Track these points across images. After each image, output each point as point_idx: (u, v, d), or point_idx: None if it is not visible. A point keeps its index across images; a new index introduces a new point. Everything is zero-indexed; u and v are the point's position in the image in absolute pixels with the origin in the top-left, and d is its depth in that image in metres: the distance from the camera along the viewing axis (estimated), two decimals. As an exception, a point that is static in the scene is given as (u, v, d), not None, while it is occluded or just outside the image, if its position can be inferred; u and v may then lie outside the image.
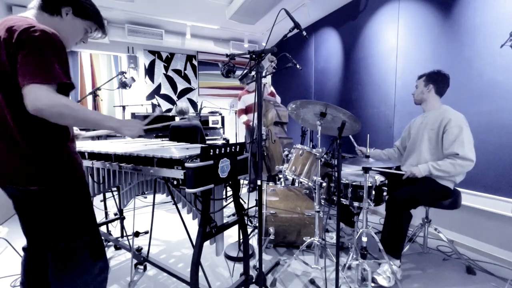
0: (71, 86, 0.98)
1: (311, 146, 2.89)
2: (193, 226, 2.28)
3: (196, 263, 1.23)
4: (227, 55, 1.66)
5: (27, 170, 0.97)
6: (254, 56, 1.40)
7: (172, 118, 4.51)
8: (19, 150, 0.96)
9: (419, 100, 2.08)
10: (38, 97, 0.85)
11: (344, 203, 1.93)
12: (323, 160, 1.91)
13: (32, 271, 1.24)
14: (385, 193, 1.88)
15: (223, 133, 4.93)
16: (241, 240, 2.04)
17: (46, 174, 0.99)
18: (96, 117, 0.99)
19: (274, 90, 3.54)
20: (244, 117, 3.48)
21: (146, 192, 2.90)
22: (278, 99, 3.46)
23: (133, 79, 3.09)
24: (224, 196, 1.63)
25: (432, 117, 1.98)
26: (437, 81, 1.98)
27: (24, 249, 1.24)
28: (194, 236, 1.36)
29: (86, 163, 1.65)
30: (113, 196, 2.47)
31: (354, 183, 1.88)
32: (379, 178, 1.92)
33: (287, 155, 2.33)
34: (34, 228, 1.21)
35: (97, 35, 1.19)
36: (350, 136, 2.17)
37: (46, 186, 1.00)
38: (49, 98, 0.86)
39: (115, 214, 2.47)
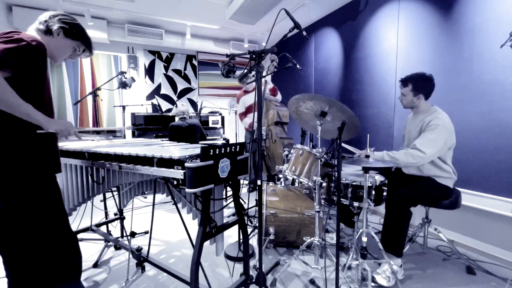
0: (28, 84, 1.07)
1: (311, 146, 2.89)
2: (193, 226, 2.28)
3: (196, 263, 1.23)
4: (227, 55, 1.66)
5: None
6: (254, 56, 1.40)
7: (172, 118, 4.52)
8: None
9: (409, 107, 2.06)
10: None
11: (344, 203, 1.93)
12: (323, 160, 1.91)
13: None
14: (385, 193, 1.88)
15: (223, 133, 4.93)
16: (241, 240, 2.04)
17: (9, 162, 1.05)
18: (22, 106, 1.02)
19: (275, 87, 3.44)
20: (247, 121, 3.39)
21: (146, 192, 2.90)
22: (279, 96, 3.39)
23: (133, 79, 3.09)
24: (224, 196, 1.63)
25: (421, 119, 1.98)
26: (425, 88, 1.96)
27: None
28: (194, 236, 1.36)
29: (86, 163, 1.65)
30: (113, 196, 2.48)
31: (354, 183, 1.88)
32: (379, 178, 1.92)
33: (287, 155, 2.33)
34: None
35: (85, 54, 1.36)
36: (346, 146, 2.14)
37: (5, 174, 1.05)
38: None
39: (115, 214, 2.47)
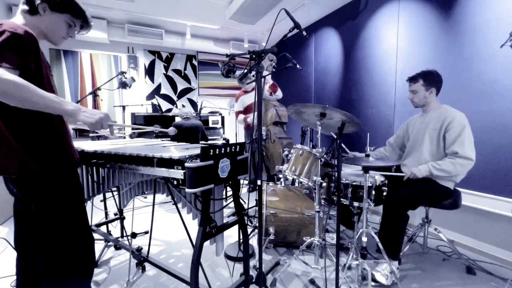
0: (28, 76, 0.98)
1: (311, 146, 2.89)
2: (193, 226, 2.28)
3: (196, 263, 1.23)
4: (227, 55, 1.66)
5: (16, 159, 1.01)
6: (254, 56, 1.40)
7: (173, 118, 4.52)
8: (6, 140, 1.00)
9: (421, 104, 2.02)
10: None
11: (344, 203, 1.93)
12: (323, 160, 1.91)
13: (26, 270, 1.25)
14: (385, 193, 1.88)
15: (223, 133, 4.93)
16: (241, 240, 2.04)
17: (33, 163, 1.02)
18: (47, 98, 0.94)
19: (275, 83, 3.40)
20: (241, 116, 3.40)
21: (146, 192, 2.90)
22: (279, 92, 3.37)
23: (133, 79, 3.09)
24: (224, 196, 1.63)
25: (434, 117, 1.96)
26: (437, 82, 1.96)
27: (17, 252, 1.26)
28: (194, 236, 1.36)
29: (86, 163, 1.65)
30: (113, 196, 2.48)
31: (354, 183, 1.88)
32: (379, 178, 1.92)
33: (287, 155, 2.33)
34: (26, 230, 1.22)
35: (83, 28, 1.25)
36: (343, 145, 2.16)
37: (33, 175, 1.03)
38: None
39: (115, 214, 2.47)
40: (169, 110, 4.98)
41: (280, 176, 2.66)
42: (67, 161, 1.14)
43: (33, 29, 1.04)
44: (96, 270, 1.98)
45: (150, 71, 4.80)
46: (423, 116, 2.05)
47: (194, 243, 1.27)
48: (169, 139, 3.77)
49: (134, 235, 2.43)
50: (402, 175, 1.94)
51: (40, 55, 1.04)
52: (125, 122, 3.99)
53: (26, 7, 1.08)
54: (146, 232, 2.57)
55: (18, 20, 1.09)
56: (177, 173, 1.20)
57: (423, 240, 2.24)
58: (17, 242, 1.25)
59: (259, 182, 1.45)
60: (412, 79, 1.99)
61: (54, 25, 1.13)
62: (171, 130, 1.57)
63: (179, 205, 1.45)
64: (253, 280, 1.60)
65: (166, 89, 4.96)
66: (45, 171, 1.05)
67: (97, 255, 2.12)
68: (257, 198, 1.99)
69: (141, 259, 1.92)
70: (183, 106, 3.67)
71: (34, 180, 1.04)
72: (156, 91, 4.88)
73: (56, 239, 1.10)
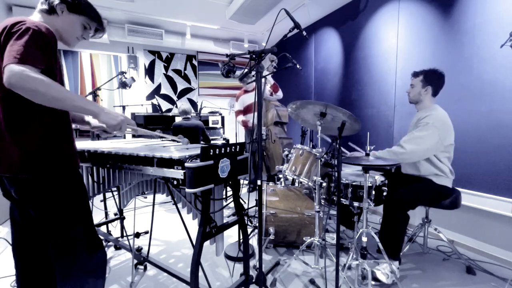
0: (51, 75, 1.00)
1: (311, 146, 2.89)
2: (193, 226, 2.28)
3: (196, 263, 1.23)
4: (227, 55, 1.66)
5: (15, 158, 0.99)
6: (254, 56, 1.40)
7: (173, 118, 4.52)
8: (7, 138, 0.99)
9: (415, 100, 2.03)
10: (15, 73, 0.87)
11: (344, 203, 1.93)
12: (323, 160, 1.91)
13: (27, 273, 1.23)
14: (385, 193, 1.88)
15: (223, 133, 4.93)
16: (241, 240, 2.04)
17: (33, 163, 1.01)
18: (73, 98, 0.98)
19: (276, 83, 3.40)
20: (240, 117, 3.41)
21: (146, 192, 2.90)
22: (280, 93, 3.38)
23: (133, 79, 3.09)
24: (224, 196, 1.63)
25: (418, 116, 1.98)
26: (435, 82, 1.96)
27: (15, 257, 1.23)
28: (194, 236, 1.36)
29: (86, 163, 1.65)
30: (113, 196, 2.48)
31: (354, 183, 1.88)
32: (379, 178, 1.92)
33: (287, 155, 2.33)
34: (24, 228, 1.20)
35: (97, 32, 1.26)
36: (352, 145, 2.19)
37: (32, 175, 1.01)
38: (24, 74, 0.87)
39: (115, 214, 2.47)
40: (169, 110, 4.99)
41: (280, 176, 2.66)
42: (69, 161, 1.11)
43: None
44: (96, 270, 1.98)
45: (150, 71, 4.81)
46: (414, 116, 2.07)
47: (194, 243, 1.27)
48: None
49: (137, 235, 2.44)
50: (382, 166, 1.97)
51: (57, 57, 1.05)
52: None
53: (45, 7, 1.10)
54: (146, 232, 2.57)
55: (35, 18, 1.09)
56: (177, 173, 1.20)
57: (423, 240, 2.24)
58: (16, 250, 1.22)
59: (259, 182, 1.45)
60: (415, 74, 2.03)
61: (70, 26, 1.15)
62: (185, 141, 1.60)
63: (179, 205, 1.45)
64: (253, 280, 1.60)
65: (166, 89, 4.97)
66: (43, 171, 1.02)
67: (97, 255, 2.12)
68: (257, 198, 1.99)
69: (141, 259, 1.92)
70: (182, 104, 3.67)
71: (32, 181, 1.02)
72: (156, 91, 4.88)
73: (65, 241, 1.08)
